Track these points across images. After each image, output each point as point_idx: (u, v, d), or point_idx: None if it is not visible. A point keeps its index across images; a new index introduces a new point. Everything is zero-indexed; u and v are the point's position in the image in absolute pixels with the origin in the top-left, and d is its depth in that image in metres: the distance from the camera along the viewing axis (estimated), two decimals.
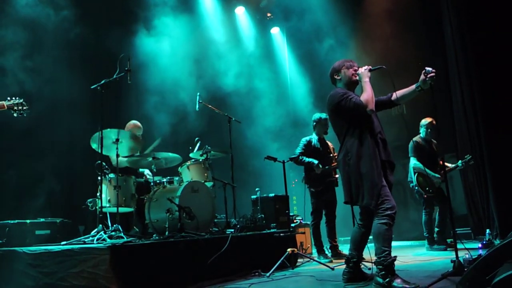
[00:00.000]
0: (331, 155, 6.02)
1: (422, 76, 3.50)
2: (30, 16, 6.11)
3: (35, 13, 6.14)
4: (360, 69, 3.66)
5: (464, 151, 6.81)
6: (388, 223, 3.34)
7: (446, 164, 6.31)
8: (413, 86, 3.58)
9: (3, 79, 5.75)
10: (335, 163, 5.75)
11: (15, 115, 4.31)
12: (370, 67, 3.66)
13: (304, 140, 6.08)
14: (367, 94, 3.50)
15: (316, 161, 5.79)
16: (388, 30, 7.98)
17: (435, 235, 6.18)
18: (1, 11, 5.96)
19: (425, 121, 6.32)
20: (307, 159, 5.85)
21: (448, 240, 6.13)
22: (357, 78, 3.66)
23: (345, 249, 5.91)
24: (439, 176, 6.08)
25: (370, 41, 8.48)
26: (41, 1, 6.23)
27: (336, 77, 3.78)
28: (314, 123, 6.12)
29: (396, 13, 7.98)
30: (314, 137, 6.09)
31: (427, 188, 6.09)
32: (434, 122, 6.26)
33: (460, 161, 6.34)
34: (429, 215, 6.19)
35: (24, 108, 4.32)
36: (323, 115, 6.07)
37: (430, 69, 3.48)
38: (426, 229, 6.18)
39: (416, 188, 6.17)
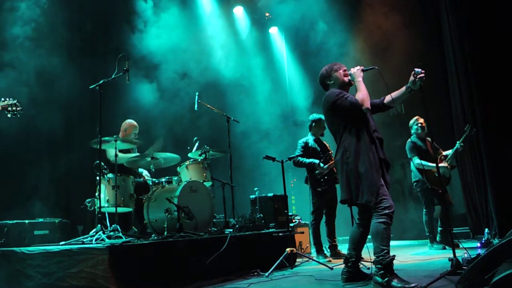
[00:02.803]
0: (329, 152, 6.01)
1: (412, 77, 3.56)
2: (30, 13, 6.10)
3: (34, 10, 6.14)
4: (352, 69, 3.71)
5: (463, 151, 6.80)
6: (386, 222, 3.34)
7: (445, 153, 6.27)
8: (404, 88, 3.64)
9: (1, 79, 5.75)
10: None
11: (8, 116, 4.27)
12: (363, 67, 3.70)
13: (301, 142, 6.07)
14: (362, 93, 3.53)
15: (317, 161, 5.79)
16: (385, 31, 7.99)
17: (438, 235, 6.18)
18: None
19: (412, 120, 6.37)
20: (307, 160, 5.83)
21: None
22: (350, 78, 3.70)
23: (344, 248, 5.91)
24: (445, 165, 6.07)
25: (369, 43, 8.51)
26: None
27: (328, 82, 3.80)
28: (313, 124, 6.09)
29: (395, 13, 7.99)
30: (310, 138, 6.08)
31: (438, 186, 6.05)
32: (420, 119, 6.30)
33: (457, 142, 6.22)
34: (430, 215, 6.18)
35: (18, 109, 4.29)
36: (322, 117, 6.06)
37: (419, 70, 3.54)
38: (427, 228, 6.17)
39: (430, 186, 6.05)
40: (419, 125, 6.28)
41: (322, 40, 9.06)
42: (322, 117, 6.07)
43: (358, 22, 8.84)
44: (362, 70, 3.67)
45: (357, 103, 3.49)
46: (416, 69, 3.53)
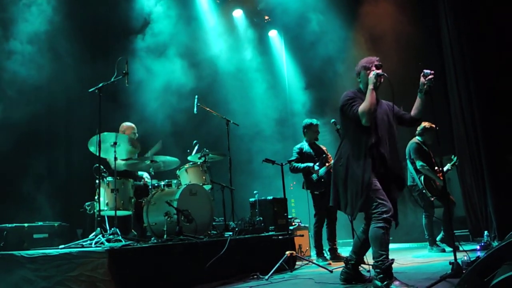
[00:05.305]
0: (325, 155, 6.00)
1: (422, 79, 3.53)
2: (31, 10, 6.11)
3: (35, 9, 6.15)
4: (370, 73, 3.56)
5: (462, 154, 6.82)
6: (385, 227, 3.31)
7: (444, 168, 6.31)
8: (418, 94, 3.59)
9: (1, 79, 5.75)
10: (331, 161, 5.76)
11: None
12: (379, 71, 3.56)
13: (296, 148, 6.08)
14: (365, 105, 3.42)
15: (311, 164, 5.79)
16: (385, 33, 8.00)
17: (440, 235, 6.17)
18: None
19: (427, 125, 6.21)
20: (302, 165, 5.84)
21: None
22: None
23: (344, 251, 5.91)
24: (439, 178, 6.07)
25: (369, 40, 8.51)
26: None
27: (358, 78, 3.73)
28: (305, 129, 6.09)
29: (394, 16, 8.00)
30: (304, 144, 6.08)
31: (432, 192, 6.07)
32: (433, 131, 6.18)
33: (448, 164, 6.33)
34: (429, 218, 6.16)
35: None
36: (314, 121, 6.06)
37: (428, 71, 3.50)
38: (427, 231, 6.16)
39: (424, 191, 6.07)
40: (429, 135, 6.18)
41: (320, 40, 9.05)
42: (314, 121, 6.08)
43: (357, 19, 8.84)
44: (377, 75, 3.54)
45: (358, 115, 3.43)
46: (425, 70, 3.50)
